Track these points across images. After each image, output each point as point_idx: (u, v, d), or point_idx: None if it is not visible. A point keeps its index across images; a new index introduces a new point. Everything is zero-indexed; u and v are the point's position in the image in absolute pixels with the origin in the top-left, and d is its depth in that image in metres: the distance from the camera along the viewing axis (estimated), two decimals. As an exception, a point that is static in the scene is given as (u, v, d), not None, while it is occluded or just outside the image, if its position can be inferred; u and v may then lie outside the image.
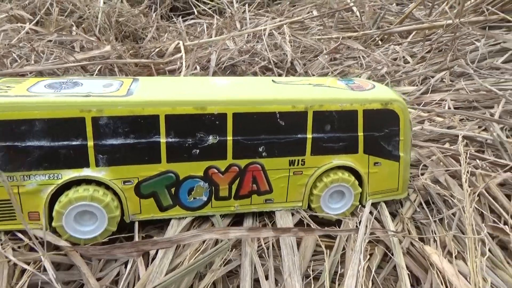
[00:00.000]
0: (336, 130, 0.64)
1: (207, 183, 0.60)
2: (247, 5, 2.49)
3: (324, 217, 0.67)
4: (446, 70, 1.38)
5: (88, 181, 0.55)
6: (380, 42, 1.94)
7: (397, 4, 2.61)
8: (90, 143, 0.53)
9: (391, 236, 0.62)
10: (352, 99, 0.64)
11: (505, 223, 0.69)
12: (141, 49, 1.83)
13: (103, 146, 0.54)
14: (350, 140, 0.65)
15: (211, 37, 2.12)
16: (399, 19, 2.07)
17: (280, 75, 1.57)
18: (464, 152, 0.83)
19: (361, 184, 0.67)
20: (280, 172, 0.63)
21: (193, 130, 0.57)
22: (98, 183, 0.55)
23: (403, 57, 1.64)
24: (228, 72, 1.60)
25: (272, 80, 0.70)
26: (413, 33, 1.76)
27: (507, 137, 1.00)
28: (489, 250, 0.64)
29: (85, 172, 0.54)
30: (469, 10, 1.73)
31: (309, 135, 0.62)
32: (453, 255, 0.59)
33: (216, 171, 0.60)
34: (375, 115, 0.65)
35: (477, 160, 0.86)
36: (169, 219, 0.60)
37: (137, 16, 2.38)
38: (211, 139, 0.58)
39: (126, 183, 0.56)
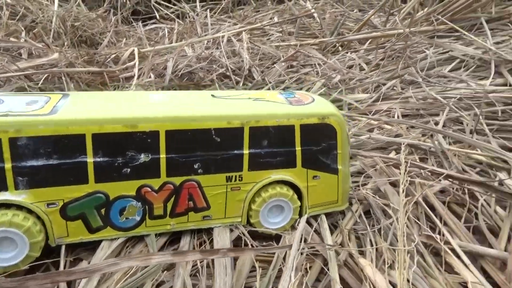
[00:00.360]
0: (273, 145, 0.64)
1: (140, 202, 0.59)
2: (208, 10, 2.47)
3: (264, 231, 0.66)
4: (397, 78, 1.42)
5: (7, 205, 0.52)
6: (340, 48, 1.98)
7: (360, 10, 2.67)
8: (8, 165, 0.51)
9: (327, 249, 0.63)
10: (289, 114, 0.64)
11: (439, 231, 0.71)
12: (96, 55, 1.78)
13: (23, 168, 0.51)
14: (288, 155, 0.65)
15: (172, 43, 2.10)
16: (357, 26, 2.12)
17: (238, 82, 1.56)
18: (404, 161, 0.86)
19: (300, 197, 0.68)
20: (217, 189, 0.62)
21: (123, 148, 0.56)
22: (19, 207, 0.53)
23: (359, 64, 1.68)
24: (186, 79, 1.58)
25: (212, 95, 0.69)
26: (369, 40, 1.80)
27: (449, 144, 1.04)
28: (423, 259, 0.66)
29: (3, 196, 0.51)
30: (421, 19, 1.79)
31: (246, 151, 0.62)
32: (386, 266, 0.61)
33: (149, 189, 0.59)
34: (313, 130, 0.65)
35: (419, 169, 0.89)
36: (101, 240, 0.58)
37: (95, 21, 2.31)
38: (143, 158, 0.57)
39: (50, 206, 0.54)
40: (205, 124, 0.59)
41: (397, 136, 1.10)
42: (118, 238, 0.59)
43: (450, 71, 1.43)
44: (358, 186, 0.86)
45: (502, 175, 0.90)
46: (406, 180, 0.79)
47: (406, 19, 1.95)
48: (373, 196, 0.78)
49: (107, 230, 0.58)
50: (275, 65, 1.56)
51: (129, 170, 0.57)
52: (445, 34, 1.63)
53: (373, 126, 1.17)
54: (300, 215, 0.69)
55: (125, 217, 0.59)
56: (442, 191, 0.88)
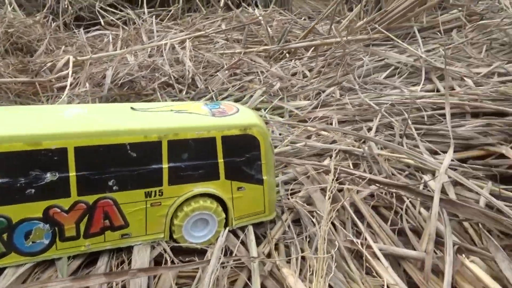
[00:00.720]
0: (194, 158, 0.63)
1: (48, 224, 0.55)
2: (154, 17, 2.43)
3: (188, 246, 0.65)
4: (336, 85, 1.47)
5: None
6: (288, 55, 2.01)
7: (309, 18, 2.73)
8: None
9: (251, 261, 0.62)
10: (210, 126, 0.63)
11: (365, 237, 0.73)
12: (30, 63, 1.68)
13: None
14: (211, 167, 0.64)
15: (116, 50, 2.03)
16: (303, 34, 2.17)
17: (181, 91, 1.54)
18: (334, 167, 0.88)
19: (226, 210, 0.67)
20: (136, 205, 0.60)
21: (26, 168, 0.52)
22: None
23: (302, 71, 1.72)
24: (126, 88, 1.53)
25: (131, 108, 0.67)
26: (312, 48, 1.85)
27: (381, 149, 1.08)
28: (346, 264, 0.68)
29: None
30: (360, 28, 1.87)
31: (165, 165, 0.61)
32: (308, 275, 0.61)
33: (58, 210, 0.55)
34: (235, 141, 0.65)
35: (348, 175, 0.91)
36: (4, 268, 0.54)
37: (32, 27, 2.19)
38: (49, 177, 0.54)
39: None
40: (119, 139, 0.57)
41: (333, 142, 1.13)
42: (25, 264, 0.55)
43: (385, 77, 1.50)
44: (290, 194, 0.87)
45: (427, 177, 0.94)
46: (334, 187, 0.81)
47: (349, 27, 2.02)
48: (302, 204, 0.79)
49: (11, 256, 0.54)
50: (218, 73, 1.55)
51: (33, 190, 0.53)
52: (381, 42, 1.71)
53: (311, 132, 1.19)
54: (227, 226, 0.68)
55: (31, 241, 0.55)
56: (372, 195, 0.91)
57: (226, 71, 1.60)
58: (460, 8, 1.71)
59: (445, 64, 1.05)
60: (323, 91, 1.45)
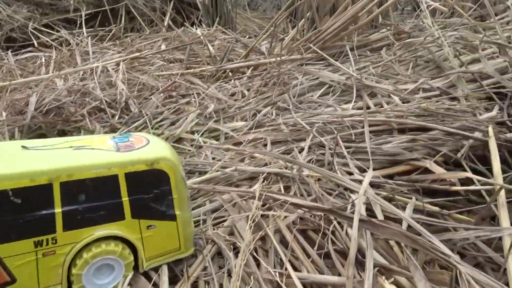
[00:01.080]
0: (93, 199, 0.58)
1: None
2: (90, 37, 2.34)
3: (91, 296, 0.59)
4: (272, 105, 1.47)
5: None
6: (230, 74, 2.00)
7: (255, 36, 2.75)
8: None
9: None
10: (112, 163, 0.59)
11: (285, 267, 0.71)
12: None
13: None
14: (114, 207, 0.59)
15: (49, 72, 1.92)
16: (244, 53, 2.18)
17: (113, 115, 1.47)
18: (259, 193, 0.86)
19: (136, 251, 0.63)
20: (23, 257, 0.54)
21: None
22: None
23: (241, 91, 1.71)
24: (53, 114, 1.44)
25: (22, 146, 0.61)
26: (251, 68, 1.85)
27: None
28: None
29: None
30: (297, 46, 1.90)
31: (58, 210, 0.55)
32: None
33: None
34: (141, 177, 0.61)
35: (276, 200, 0.90)
36: None
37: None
38: None
39: None
40: (-1, 185, 0.51)
41: (265, 165, 1.12)
42: None
43: (320, 96, 1.52)
44: (215, 224, 0.84)
45: (354, 197, 0.95)
46: (257, 215, 0.79)
47: (287, 46, 2.05)
48: (224, 236, 0.76)
49: None
50: (152, 96, 1.51)
51: None
52: (316, 62, 1.74)
53: (245, 155, 1.17)
54: (138, 268, 0.64)
55: None
56: (302, 218, 0.90)
57: (162, 94, 1.55)
58: (388, 28, 1.79)
59: (362, 85, 1.08)
60: (259, 111, 1.45)
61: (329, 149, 1.14)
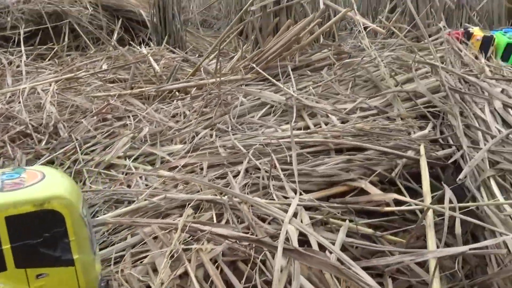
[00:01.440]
0: (-33, 248, 0.50)
1: None
2: (26, 56, 2.20)
3: None
4: (212, 126, 1.43)
5: None
6: (177, 94, 1.94)
7: (202, 55, 2.71)
8: None
9: None
10: (-10, 205, 0.52)
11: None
12: None
13: None
14: (-7, 256, 0.52)
15: (-24, 95, 1.77)
16: (190, 72, 2.13)
17: (40, 141, 1.37)
18: (183, 224, 0.80)
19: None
20: None
21: None
22: None
23: (184, 112, 1.66)
24: (-32, 142, 1.31)
25: None
26: (194, 88, 1.81)
27: (248, 193, 1.04)
28: None
29: None
30: (241, 66, 1.89)
31: None
32: None
33: None
34: (27, 220, 0.54)
35: (201, 231, 0.84)
36: None
37: None
38: None
39: None
40: None
41: (198, 191, 1.07)
42: None
43: (261, 116, 1.50)
44: (134, 261, 0.77)
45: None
46: (176, 250, 0.73)
47: (232, 66, 2.03)
48: (138, 276, 0.69)
49: None
50: (83, 120, 1.42)
51: None
52: (259, 82, 1.73)
53: (178, 181, 1.12)
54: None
55: None
56: (231, 249, 0.85)
57: (95, 117, 1.47)
58: (329, 48, 1.83)
59: (302, 105, 1.07)
60: (199, 133, 1.40)
61: (266, 171, 1.11)
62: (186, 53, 3.15)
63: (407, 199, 0.93)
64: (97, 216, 0.91)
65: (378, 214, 1.02)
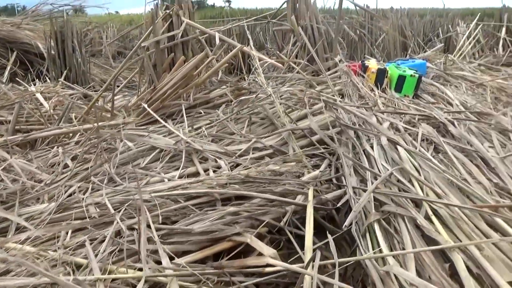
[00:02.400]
0: None
1: None
2: None
3: None
4: (87, 179, 1.25)
5: None
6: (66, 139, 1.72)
7: (85, 97, 2.51)
8: None
9: None
10: None
11: None
12: None
13: None
14: None
15: None
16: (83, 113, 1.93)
17: None
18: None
19: None
20: None
21: None
22: None
23: (63, 160, 1.45)
24: None
25: None
26: (78, 133, 1.61)
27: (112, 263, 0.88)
28: None
29: None
30: (134, 106, 1.74)
31: None
32: None
33: None
34: None
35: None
36: None
37: None
38: None
39: None
40: None
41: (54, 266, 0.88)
42: None
43: (149, 163, 1.36)
44: None
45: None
46: None
47: (125, 107, 1.87)
48: None
49: None
50: None
51: None
52: (151, 122, 1.60)
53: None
54: None
55: None
56: None
57: None
58: (227, 85, 1.76)
59: (192, 149, 0.95)
60: (71, 187, 1.21)
61: (136, 231, 0.96)
62: (89, 88, 2.92)
63: (281, 263, 0.84)
64: None
65: (261, 274, 0.92)
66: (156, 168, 1.31)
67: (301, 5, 2.23)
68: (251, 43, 1.72)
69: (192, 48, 1.87)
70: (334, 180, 1.28)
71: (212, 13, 14.64)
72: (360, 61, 2.41)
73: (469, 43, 3.22)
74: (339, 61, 2.04)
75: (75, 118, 1.90)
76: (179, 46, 1.82)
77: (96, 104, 2.06)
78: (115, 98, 2.42)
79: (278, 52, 2.31)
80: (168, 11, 1.78)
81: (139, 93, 1.86)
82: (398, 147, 1.27)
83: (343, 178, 1.26)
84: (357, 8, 3.18)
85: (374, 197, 1.06)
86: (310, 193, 1.09)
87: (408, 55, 3.04)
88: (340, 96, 1.88)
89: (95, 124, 1.36)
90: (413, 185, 1.08)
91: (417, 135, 1.43)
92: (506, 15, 3.40)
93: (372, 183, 1.12)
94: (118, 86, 2.61)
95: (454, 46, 3.67)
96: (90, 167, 1.27)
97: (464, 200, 1.01)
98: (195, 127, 1.55)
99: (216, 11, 15.49)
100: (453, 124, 1.56)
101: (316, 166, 1.34)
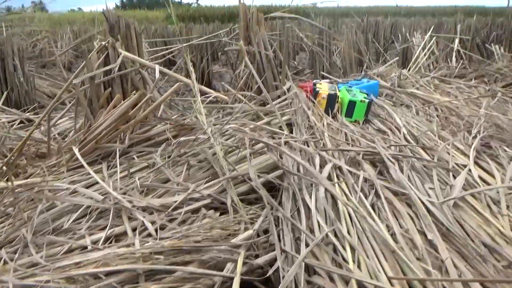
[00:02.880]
0: None
1: None
2: None
3: None
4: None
5: None
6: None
7: (28, 121, 2.35)
8: None
9: None
10: None
11: None
12: None
13: None
14: None
15: None
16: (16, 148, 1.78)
17: None
18: None
19: None
20: None
21: None
22: None
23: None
24: None
25: None
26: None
27: None
28: None
29: None
30: (66, 148, 1.62)
31: None
32: None
33: None
34: None
35: None
36: None
37: None
38: None
39: None
40: None
41: None
42: None
43: (75, 220, 1.26)
44: None
45: None
46: None
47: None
48: None
49: None
50: None
51: None
52: (81, 166, 1.49)
53: None
54: None
55: None
56: None
57: None
58: (167, 121, 1.67)
59: (121, 206, 0.86)
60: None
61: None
62: (33, 109, 2.74)
63: None
64: None
65: None
66: (80, 230, 1.21)
67: (252, 27, 2.15)
68: (193, 76, 1.63)
69: (132, 81, 1.76)
70: (271, 239, 1.23)
71: (178, 11, 14.32)
72: (312, 82, 2.36)
73: (424, 55, 3.25)
74: (286, 90, 1.99)
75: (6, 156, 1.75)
76: (117, 80, 1.71)
77: (34, 134, 1.92)
78: (59, 121, 2.27)
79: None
80: (103, 43, 1.66)
81: (75, 130, 1.74)
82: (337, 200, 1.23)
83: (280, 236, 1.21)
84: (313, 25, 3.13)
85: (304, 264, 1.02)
86: (239, 263, 1.04)
87: (363, 71, 3.04)
88: (289, 127, 1.83)
89: (10, 184, 1.24)
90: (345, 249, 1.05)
91: (359, 177, 1.39)
92: (459, 26, 3.45)
93: (307, 244, 1.08)
94: (64, 106, 2.45)
95: (412, 54, 3.70)
96: (3, 233, 1.16)
97: (396, 270, 0.98)
98: (134, 170, 1.46)
99: (183, 8, 15.16)
100: (397, 159, 1.54)
101: (252, 221, 1.28)
